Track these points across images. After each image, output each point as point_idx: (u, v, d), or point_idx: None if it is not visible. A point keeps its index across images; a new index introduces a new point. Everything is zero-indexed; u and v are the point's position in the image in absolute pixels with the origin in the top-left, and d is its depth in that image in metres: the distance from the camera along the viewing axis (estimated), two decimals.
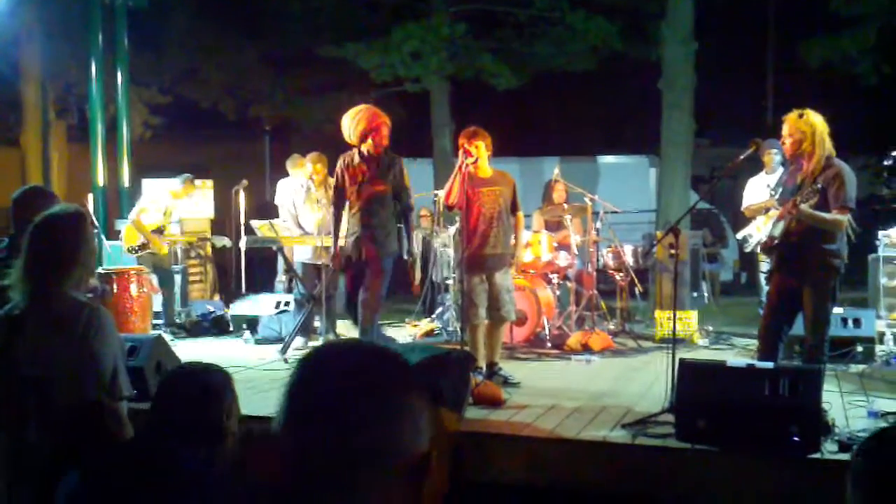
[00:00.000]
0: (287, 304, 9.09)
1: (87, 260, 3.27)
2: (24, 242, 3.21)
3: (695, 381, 5.16)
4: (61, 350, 3.07)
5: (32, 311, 3.11)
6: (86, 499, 2.29)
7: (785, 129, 5.76)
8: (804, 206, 5.49)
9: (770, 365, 5.25)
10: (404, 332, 9.53)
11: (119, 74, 11.90)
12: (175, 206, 9.75)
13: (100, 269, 8.93)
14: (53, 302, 3.12)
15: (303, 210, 8.76)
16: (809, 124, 5.64)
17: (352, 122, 7.21)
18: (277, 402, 1.29)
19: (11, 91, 17.53)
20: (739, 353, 8.06)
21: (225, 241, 10.40)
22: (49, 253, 3.16)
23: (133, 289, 8.54)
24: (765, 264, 7.71)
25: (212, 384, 2.61)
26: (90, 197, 11.67)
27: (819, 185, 5.48)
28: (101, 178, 11.65)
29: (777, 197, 6.12)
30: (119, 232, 10.47)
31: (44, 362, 3.06)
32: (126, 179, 11.87)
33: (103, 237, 10.17)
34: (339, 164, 7.32)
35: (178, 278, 9.71)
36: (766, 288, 7.89)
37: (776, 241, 5.85)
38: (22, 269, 3.14)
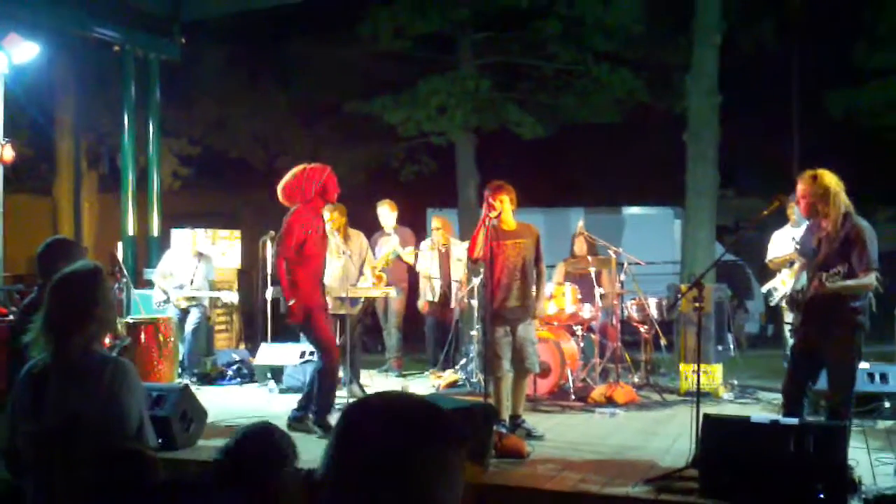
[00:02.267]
0: (312, 353, 9.11)
1: (105, 315, 3.34)
2: (44, 299, 3.31)
3: (719, 436, 5.15)
4: (87, 403, 3.14)
5: (55, 366, 3.20)
6: None
7: (799, 190, 5.78)
8: (830, 285, 5.44)
9: (795, 421, 5.21)
10: (427, 384, 9.52)
11: (151, 126, 12.12)
12: (196, 263, 9.89)
13: (128, 319, 9.04)
14: (76, 357, 3.20)
15: None
16: (822, 186, 5.64)
17: (304, 181, 6.90)
18: (325, 448, 1.34)
19: (45, 142, 17.89)
20: (765, 408, 8.00)
21: (233, 298, 10.44)
22: (67, 309, 3.25)
23: (160, 338, 8.63)
24: (790, 316, 7.68)
25: (290, 452, 2.75)
26: (119, 246, 11.83)
27: (843, 270, 5.43)
28: (131, 228, 11.82)
29: (798, 252, 6.12)
30: (148, 281, 10.60)
31: (70, 415, 3.13)
32: (156, 229, 12.04)
33: (132, 286, 10.30)
34: (297, 220, 6.84)
35: (199, 324, 9.78)
36: (791, 341, 7.86)
37: (800, 296, 5.85)
38: (42, 325, 3.23)
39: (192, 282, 9.81)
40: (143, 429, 3.23)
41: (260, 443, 2.65)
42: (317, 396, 6.95)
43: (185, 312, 9.69)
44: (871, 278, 5.55)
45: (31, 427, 3.19)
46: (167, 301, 9.69)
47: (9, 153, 9.71)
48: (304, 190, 6.90)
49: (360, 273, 8.70)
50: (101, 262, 3.68)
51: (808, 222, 7.71)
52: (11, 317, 8.17)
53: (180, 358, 9.49)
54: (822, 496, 4.65)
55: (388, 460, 1.29)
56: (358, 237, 8.92)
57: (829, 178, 5.67)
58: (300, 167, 7.02)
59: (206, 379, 9.59)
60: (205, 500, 2.47)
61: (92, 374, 3.18)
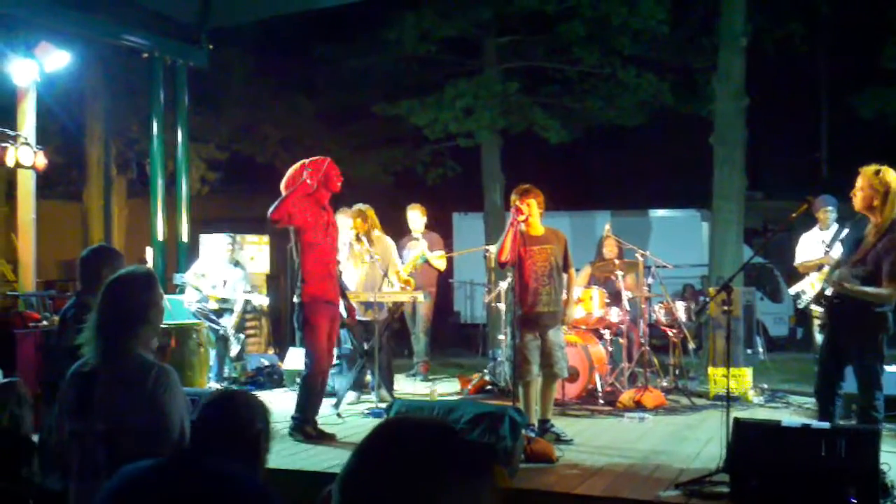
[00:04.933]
0: (339, 358, 9.15)
1: (155, 320, 3.40)
2: (96, 302, 3.36)
3: (750, 440, 5.12)
4: (131, 407, 3.19)
5: (103, 368, 3.25)
6: (151, 488, 2.42)
7: (858, 182, 5.75)
8: (848, 286, 5.53)
9: (826, 425, 5.20)
10: (456, 387, 9.54)
11: (179, 132, 12.22)
12: (232, 270, 9.99)
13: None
14: (123, 360, 3.25)
15: (346, 266, 8.80)
16: (884, 183, 5.63)
17: (307, 171, 6.92)
18: (340, 472, 1.34)
19: (76, 148, 18.11)
20: (795, 412, 7.97)
21: (263, 301, 10.49)
22: (119, 312, 3.29)
23: (192, 343, 8.70)
24: (818, 320, 7.66)
25: (255, 406, 2.75)
26: (148, 251, 11.93)
27: (870, 268, 5.51)
28: (160, 233, 11.92)
29: (841, 247, 6.14)
30: (177, 286, 10.68)
31: (114, 418, 3.18)
32: (184, 234, 12.14)
33: (161, 291, 10.37)
34: (298, 208, 6.84)
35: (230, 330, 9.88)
36: (820, 344, 7.83)
37: (824, 298, 5.90)
38: (93, 327, 3.28)
39: (224, 283, 9.90)
40: (184, 435, 3.28)
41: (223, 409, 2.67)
42: (299, 403, 6.96)
43: (216, 314, 9.77)
44: (889, 291, 5.54)
45: (77, 427, 3.25)
46: (200, 301, 9.75)
47: (41, 160, 9.84)
48: (311, 178, 6.92)
49: (386, 277, 8.74)
50: None
51: (837, 226, 7.72)
52: (45, 322, 8.28)
53: (211, 363, 9.57)
54: (853, 501, 4.63)
55: (410, 491, 1.27)
56: (383, 242, 8.95)
57: (891, 177, 5.64)
58: (299, 163, 7.07)
59: (236, 384, 9.65)
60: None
61: (136, 378, 3.23)
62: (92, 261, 4.48)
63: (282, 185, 7.00)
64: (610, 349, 8.94)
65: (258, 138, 18.58)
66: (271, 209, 6.78)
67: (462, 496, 1.30)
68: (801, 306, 8.52)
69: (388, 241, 9.08)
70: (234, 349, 9.79)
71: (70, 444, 3.30)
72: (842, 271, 5.64)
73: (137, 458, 2.99)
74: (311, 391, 6.97)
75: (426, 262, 9.87)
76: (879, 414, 5.74)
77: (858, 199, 5.75)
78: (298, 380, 9.06)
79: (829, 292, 5.87)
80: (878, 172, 5.65)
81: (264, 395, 9.13)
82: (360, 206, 8.78)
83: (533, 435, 6.39)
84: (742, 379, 8.60)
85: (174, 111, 12.21)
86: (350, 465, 1.33)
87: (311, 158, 7.10)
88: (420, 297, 8.83)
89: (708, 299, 7.97)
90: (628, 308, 9.02)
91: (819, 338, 7.54)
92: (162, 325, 8.60)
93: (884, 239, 5.58)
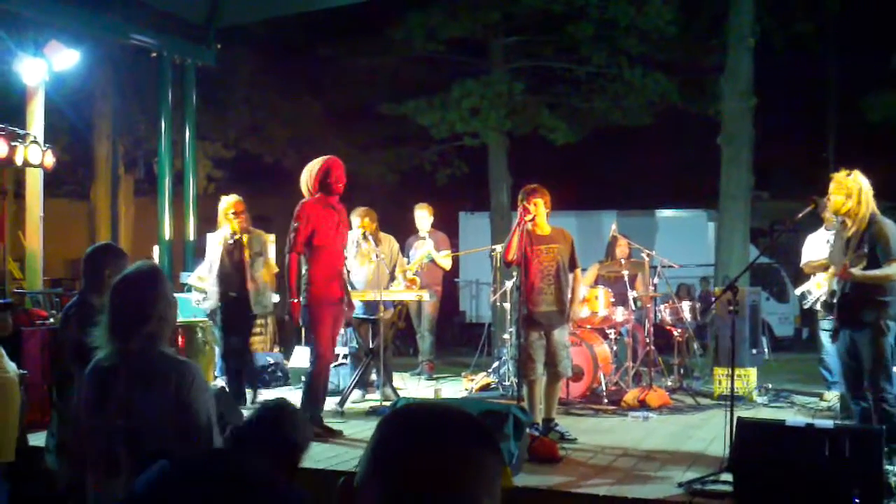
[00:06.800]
0: (345, 357, 9.18)
1: (167, 314, 3.36)
2: (105, 302, 3.35)
3: (754, 440, 5.13)
4: (154, 404, 3.17)
5: (122, 365, 3.22)
6: (172, 484, 2.45)
7: (831, 187, 6.01)
8: (854, 270, 5.74)
9: (830, 424, 5.21)
10: (460, 387, 9.55)
11: (187, 131, 12.25)
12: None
13: None
14: (143, 358, 3.22)
15: (353, 265, 8.81)
16: (856, 183, 5.89)
17: (308, 175, 7.03)
18: (361, 457, 1.37)
19: (83, 147, 18.17)
20: (799, 412, 7.97)
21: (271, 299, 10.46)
22: (129, 311, 3.27)
23: (198, 341, 8.73)
24: (826, 322, 7.67)
25: (304, 425, 2.98)
26: (155, 249, 11.96)
27: (865, 250, 5.73)
28: (167, 232, 11.94)
29: (829, 259, 6.31)
30: (184, 285, 10.70)
31: (136, 415, 3.16)
32: (191, 233, 12.16)
33: (170, 284, 10.36)
34: (303, 213, 6.90)
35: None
36: (826, 344, 7.84)
37: (835, 298, 5.97)
38: (106, 328, 3.27)
39: None
40: (211, 431, 3.28)
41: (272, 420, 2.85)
42: (304, 401, 6.90)
43: None
44: (892, 270, 5.74)
45: (96, 423, 3.24)
46: (206, 299, 9.75)
47: (49, 159, 9.87)
48: (310, 184, 7.01)
49: (392, 277, 8.75)
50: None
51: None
52: (51, 320, 8.32)
53: (216, 360, 9.57)
54: (857, 501, 4.63)
55: (429, 470, 1.30)
56: (388, 241, 8.97)
57: (862, 179, 5.91)
58: (312, 162, 7.13)
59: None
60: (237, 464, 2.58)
61: (159, 375, 3.20)
62: (95, 259, 4.48)
63: (306, 182, 7.04)
64: (615, 348, 8.94)
65: (265, 137, 18.62)
66: (289, 246, 6.93)
67: (489, 472, 1.35)
68: (807, 306, 8.53)
69: (394, 241, 9.11)
70: None
71: (89, 440, 3.30)
72: (843, 261, 5.80)
73: (160, 455, 3.01)
74: (316, 388, 6.97)
75: (432, 261, 9.88)
76: (893, 408, 5.80)
77: (832, 203, 6.00)
78: (303, 378, 9.15)
79: (836, 286, 5.99)
80: (848, 175, 5.94)
81: (269, 393, 9.18)
82: (363, 208, 8.82)
83: (537, 434, 6.39)
84: (747, 379, 8.59)
85: (182, 110, 12.23)
86: (368, 462, 1.35)
87: (319, 159, 7.11)
88: (425, 296, 8.85)
89: (713, 299, 7.97)
90: (634, 308, 9.02)
91: (828, 345, 7.58)
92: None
93: (865, 236, 5.81)
